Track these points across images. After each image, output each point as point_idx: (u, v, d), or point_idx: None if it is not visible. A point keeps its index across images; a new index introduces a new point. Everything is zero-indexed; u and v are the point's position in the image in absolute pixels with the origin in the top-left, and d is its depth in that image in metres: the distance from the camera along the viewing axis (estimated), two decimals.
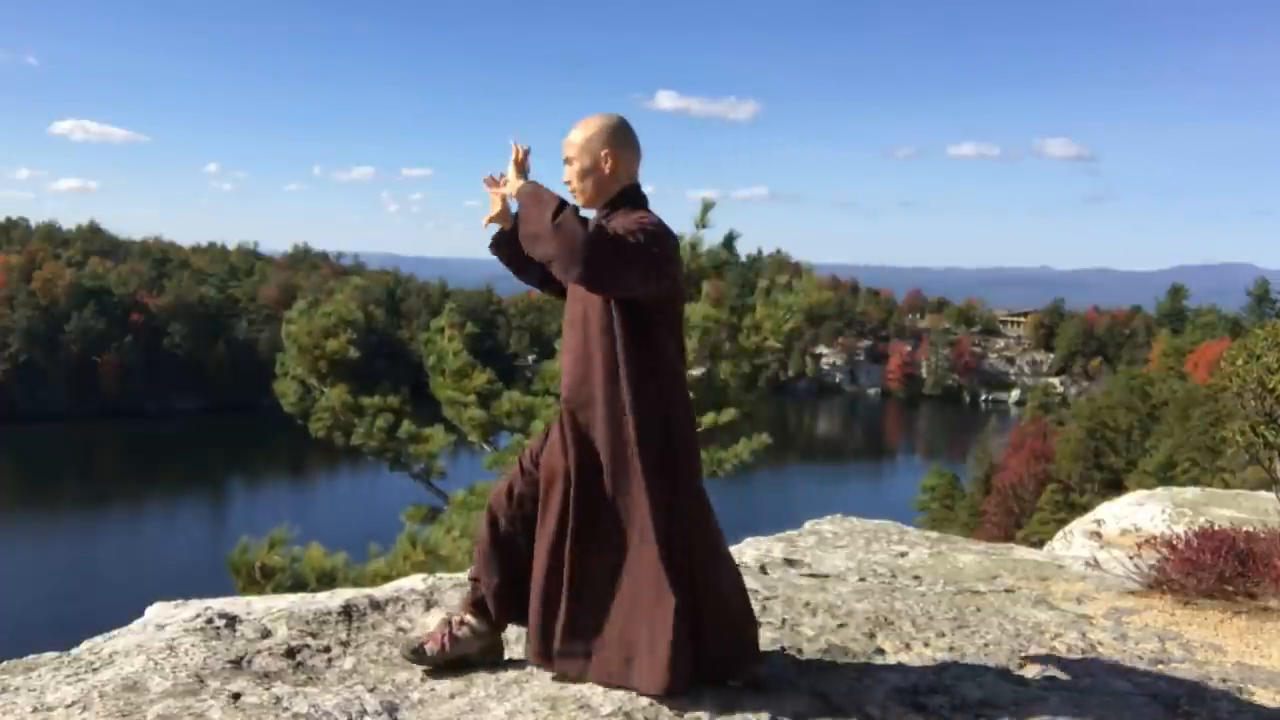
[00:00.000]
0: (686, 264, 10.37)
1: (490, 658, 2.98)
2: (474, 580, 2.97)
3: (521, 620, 2.91)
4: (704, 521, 2.84)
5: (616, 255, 2.64)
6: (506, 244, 3.06)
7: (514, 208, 2.93)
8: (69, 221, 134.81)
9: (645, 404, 2.76)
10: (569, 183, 2.91)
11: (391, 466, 10.84)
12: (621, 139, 2.88)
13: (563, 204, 2.69)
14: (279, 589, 8.02)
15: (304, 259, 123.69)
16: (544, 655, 2.83)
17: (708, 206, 10.57)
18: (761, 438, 10.27)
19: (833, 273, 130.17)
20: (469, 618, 2.95)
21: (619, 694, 2.75)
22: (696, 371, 10.05)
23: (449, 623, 2.96)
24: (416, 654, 2.89)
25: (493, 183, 2.98)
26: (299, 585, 8.18)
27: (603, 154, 2.86)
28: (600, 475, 2.79)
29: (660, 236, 2.74)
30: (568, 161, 2.91)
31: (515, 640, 3.17)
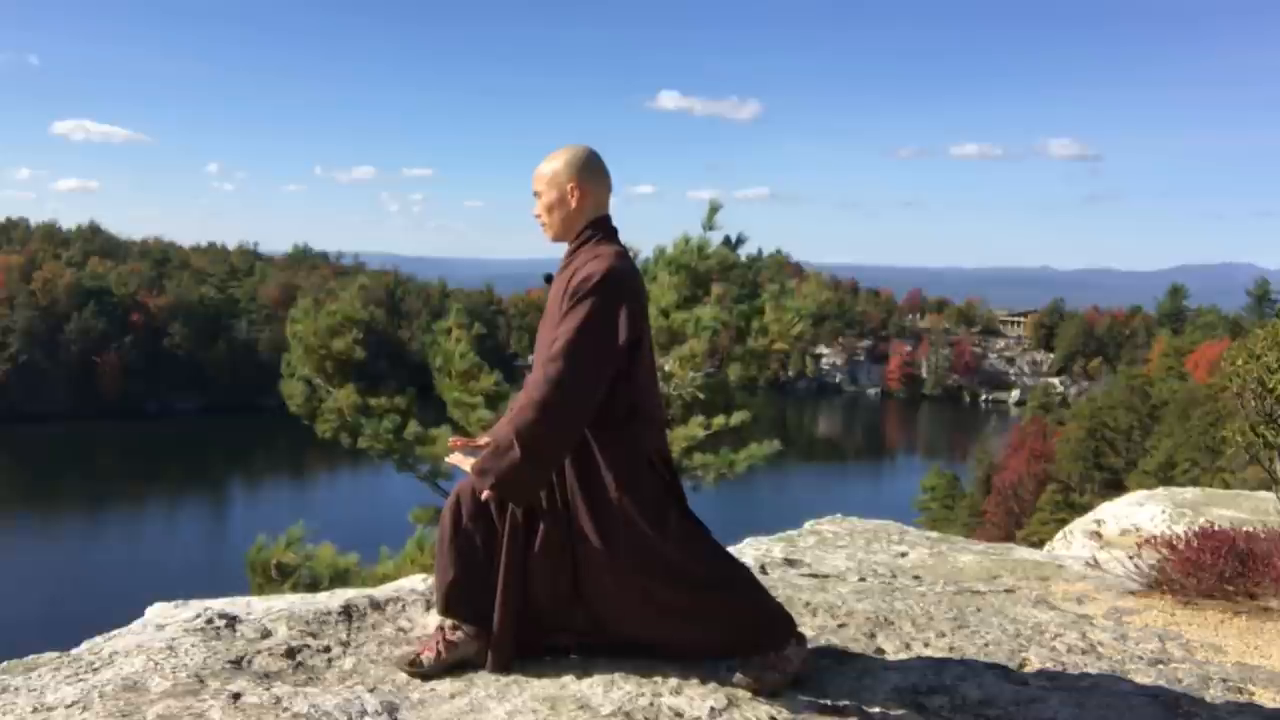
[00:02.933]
0: (694, 266, 10.39)
1: (483, 660, 2.96)
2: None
3: (467, 616, 2.91)
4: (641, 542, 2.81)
5: (582, 391, 2.69)
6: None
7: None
8: (69, 221, 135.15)
9: (602, 438, 2.80)
10: (538, 216, 2.92)
11: (399, 467, 10.83)
12: (588, 172, 2.87)
13: (507, 438, 2.69)
14: (296, 587, 8.07)
15: (304, 259, 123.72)
16: (507, 659, 2.87)
17: (714, 209, 10.58)
18: (773, 443, 10.31)
19: (833, 273, 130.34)
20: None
21: (618, 694, 2.75)
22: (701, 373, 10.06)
23: (442, 629, 2.94)
24: (414, 666, 2.88)
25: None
26: (314, 584, 8.23)
27: (569, 188, 2.86)
28: (569, 503, 2.81)
29: (609, 295, 2.73)
30: (536, 195, 2.92)
31: None
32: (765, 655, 2.87)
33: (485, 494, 2.74)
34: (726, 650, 2.93)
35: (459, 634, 2.91)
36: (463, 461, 2.86)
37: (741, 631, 2.88)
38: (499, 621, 2.82)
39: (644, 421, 2.86)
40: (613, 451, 2.79)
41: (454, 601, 2.89)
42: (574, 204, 2.87)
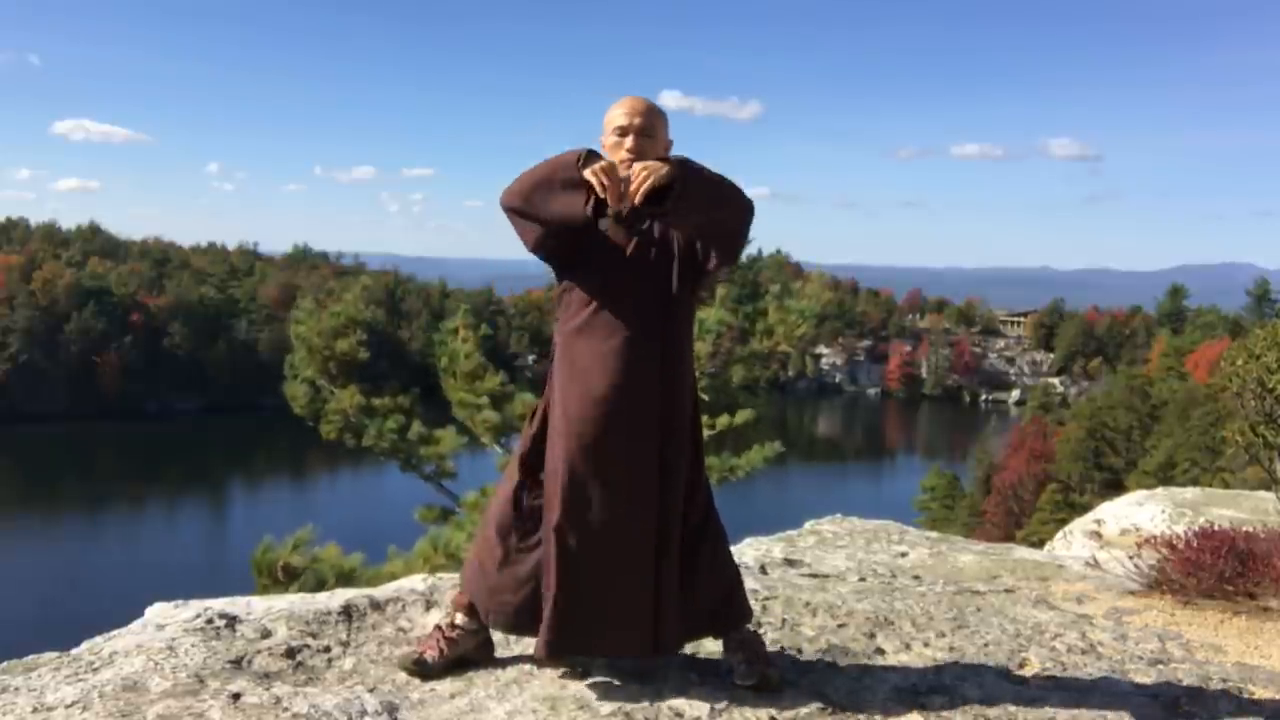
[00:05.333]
0: None
1: (484, 653, 2.99)
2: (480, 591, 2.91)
3: (531, 628, 2.86)
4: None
5: (747, 208, 2.79)
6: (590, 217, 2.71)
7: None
8: (69, 221, 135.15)
9: (690, 381, 2.94)
10: (635, 151, 2.78)
11: (403, 468, 10.83)
12: None
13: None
14: (303, 588, 8.06)
15: (304, 259, 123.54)
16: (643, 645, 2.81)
17: None
18: (774, 444, 10.31)
19: (833, 273, 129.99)
20: (460, 618, 2.95)
21: (619, 694, 2.76)
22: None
23: (440, 627, 2.95)
24: (419, 664, 2.88)
25: (611, 171, 2.63)
26: (320, 586, 8.21)
27: (670, 139, 2.90)
28: (663, 456, 2.81)
29: None
30: (645, 134, 2.80)
31: (517, 639, 3.17)
32: (751, 646, 2.91)
33: (644, 179, 2.56)
34: (719, 616, 2.93)
35: (457, 631, 2.93)
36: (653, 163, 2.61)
37: (732, 593, 2.94)
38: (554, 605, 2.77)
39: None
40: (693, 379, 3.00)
41: (499, 616, 2.87)
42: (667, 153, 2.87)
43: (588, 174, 2.60)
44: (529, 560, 2.83)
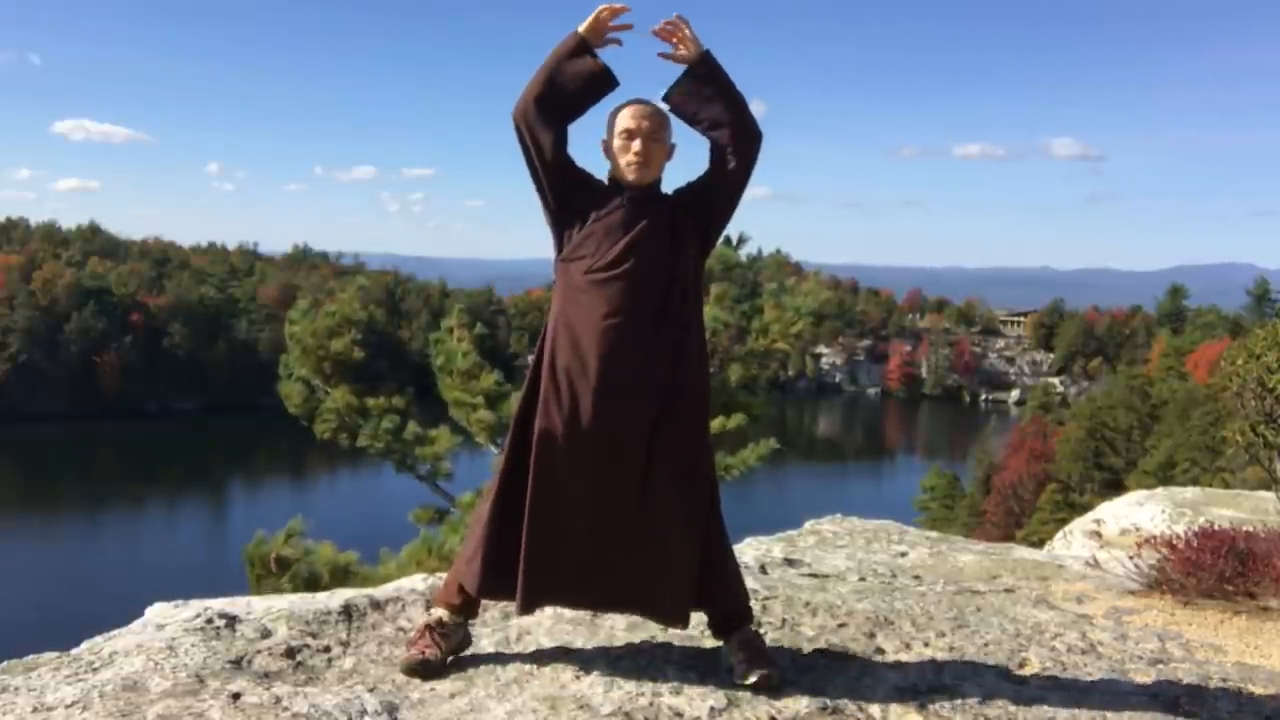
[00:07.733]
0: None
1: (467, 643, 3.03)
2: (479, 561, 2.91)
3: (507, 591, 2.88)
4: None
5: (757, 132, 2.89)
6: (602, 84, 2.86)
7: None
8: (69, 221, 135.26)
9: (703, 354, 2.93)
10: (643, 154, 2.82)
11: (398, 468, 10.81)
12: None
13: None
14: (294, 579, 8.06)
15: (304, 259, 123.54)
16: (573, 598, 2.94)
17: None
18: (769, 442, 10.28)
19: (833, 272, 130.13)
20: (445, 614, 2.98)
21: (618, 694, 2.75)
22: None
23: (430, 626, 2.96)
24: (425, 665, 2.88)
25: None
26: (313, 579, 8.21)
27: (674, 142, 2.94)
28: (666, 431, 2.82)
29: None
30: (653, 138, 2.84)
31: (517, 639, 3.18)
32: (751, 645, 2.91)
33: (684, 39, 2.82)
34: (730, 608, 2.97)
35: (446, 627, 2.96)
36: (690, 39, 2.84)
37: (733, 591, 2.98)
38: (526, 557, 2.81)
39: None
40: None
41: (482, 578, 2.88)
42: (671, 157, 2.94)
43: (584, 27, 2.80)
44: (514, 527, 2.85)
